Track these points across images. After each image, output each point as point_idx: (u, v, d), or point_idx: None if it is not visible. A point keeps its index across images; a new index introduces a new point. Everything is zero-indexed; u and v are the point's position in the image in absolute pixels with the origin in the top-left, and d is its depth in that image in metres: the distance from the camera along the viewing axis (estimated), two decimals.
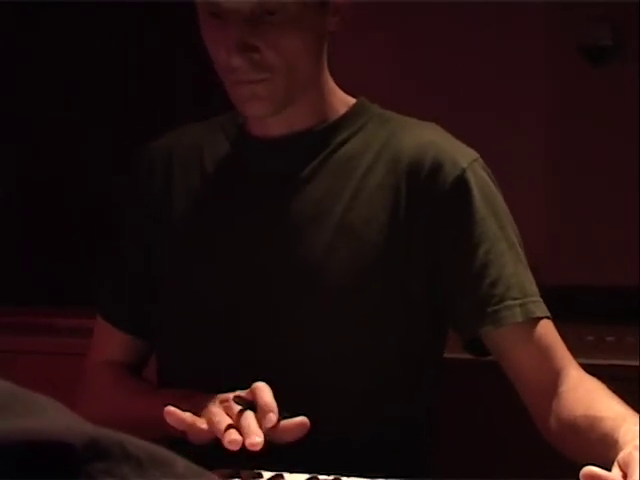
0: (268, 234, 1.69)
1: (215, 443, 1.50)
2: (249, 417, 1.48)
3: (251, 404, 1.50)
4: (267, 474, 1.45)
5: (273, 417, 1.46)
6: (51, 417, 0.73)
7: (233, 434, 1.46)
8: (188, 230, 1.75)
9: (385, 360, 1.67)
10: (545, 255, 3.08)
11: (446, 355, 1.76)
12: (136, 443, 0.75)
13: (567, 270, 3.07)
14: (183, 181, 1.77)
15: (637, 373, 2.19)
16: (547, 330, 1.64)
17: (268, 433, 1.47)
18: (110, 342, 1.84)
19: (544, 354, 1.62)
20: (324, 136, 1.72)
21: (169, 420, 1.51)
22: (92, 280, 1.98)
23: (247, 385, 1.54)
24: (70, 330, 3.05)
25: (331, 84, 1.74)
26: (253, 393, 1.51)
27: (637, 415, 1.47)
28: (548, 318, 1.65)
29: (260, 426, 1.46)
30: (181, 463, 0.77)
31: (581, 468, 1.30)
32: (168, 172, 1.78)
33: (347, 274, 1.65)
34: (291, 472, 1.46)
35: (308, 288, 1.67)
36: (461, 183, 1.64)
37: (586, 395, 1.57)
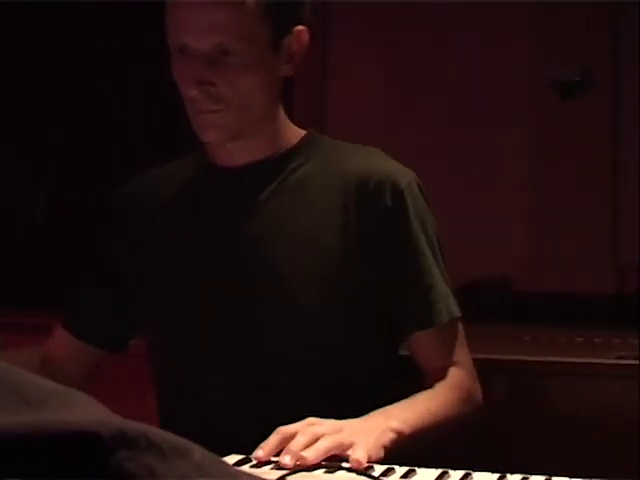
0: (235, 249, 1.75)
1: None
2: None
3: None
4: (275, 459, 1.45)
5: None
6: (83, 410, 0.73)
7: None
8: (161, 253, 1.81)
9: (336, 348, 1.73)
10: (524, 266, 3.09)
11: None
12: (158, 433, 0.75)
13: (544, 279, 3.07)
14: (157, 209, 1.83)
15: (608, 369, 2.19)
16: (457, 327, 1.77)
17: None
18: (62, 344, 1.91)
19: (449, 347, 1.75)
20: (280, 163, 1.78)
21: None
22: None
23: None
24: None
25: (284, 120, 1.80)
26: None
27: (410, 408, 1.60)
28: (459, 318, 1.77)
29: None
30: (198, 452, 0.77)
31: None
32: (143, 204, 1.85)
33: (306, 278, 1.71)
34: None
35: (272, 291, 1.72)
36: (400, 200, 1.73)
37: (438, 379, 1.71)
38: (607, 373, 2.13)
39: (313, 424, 1.46)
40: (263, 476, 1.15)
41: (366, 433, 1.47)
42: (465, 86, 3.24)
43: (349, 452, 1.41)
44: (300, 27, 1.72)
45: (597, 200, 3.11)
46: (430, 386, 1.70)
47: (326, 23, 3.41)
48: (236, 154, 1.77)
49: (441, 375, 1.72)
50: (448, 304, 1.74)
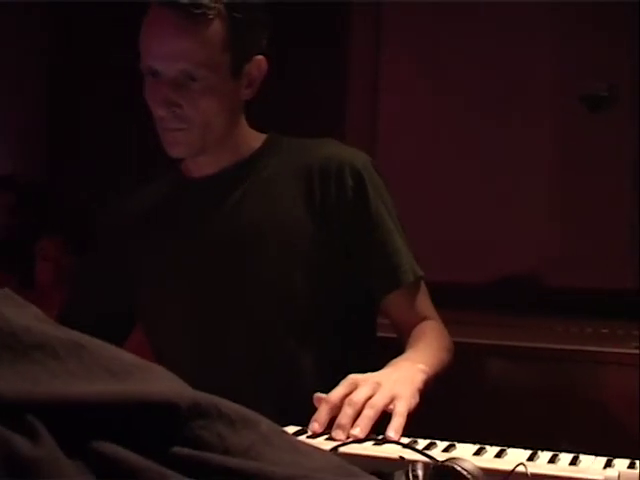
0: (219, 247, 1.77)
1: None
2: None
3: None
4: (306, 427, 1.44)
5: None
6: (161, 382, 0.74)
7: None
8: (146, 260, 1.83)
9: (317, 329, 1.74)
10: (555, 264, 3.07)
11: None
12: (229, 405, 0.75)
13: (573, 275, 3.05)
14: (140, 223, 1.86)
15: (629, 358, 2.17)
16: (422, 286, 1.78)
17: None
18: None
19: (419, 303, 1.78)
20: (247, 166, 1.82)
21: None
22: None
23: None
24: None
25: (246, 130, 1.83)
26: None
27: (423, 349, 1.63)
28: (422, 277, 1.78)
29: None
30: (265, 423, 0.78)
31: None
32: (130, 222, 1.87)
33: (285, 265, 1.74)
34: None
35: (254, 282, 1.74)
36: (359, 178, 1.76)
37: (419, 329, 1.74)
38: (630, 362, 2.11)
39: (355, 383, 1.46)
40: (318, 447, 1.15)
41: (402, 382, 1.48)
42: (504, 94, 3.23)
43: (391, 407, 1.42)
44: (259, 56, 1.75)
45: (620, 205, 3.09)
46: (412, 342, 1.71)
47: (378, 33, 3.41)
48: (206, 165, 1.81)
49: (420, 329, 1.74)
50: (412, 265, 1.76)
